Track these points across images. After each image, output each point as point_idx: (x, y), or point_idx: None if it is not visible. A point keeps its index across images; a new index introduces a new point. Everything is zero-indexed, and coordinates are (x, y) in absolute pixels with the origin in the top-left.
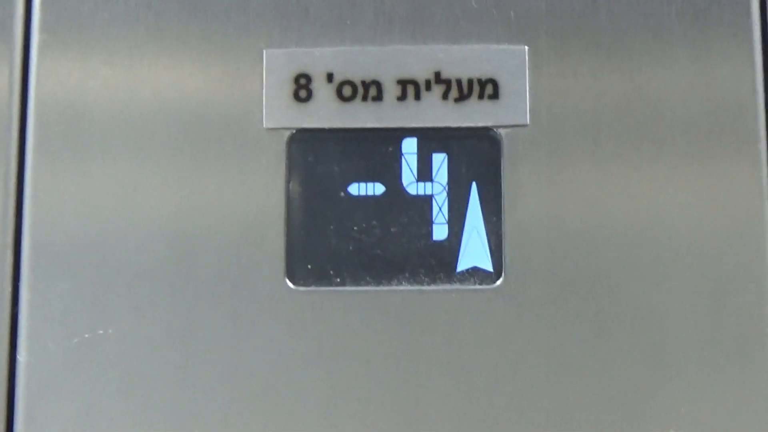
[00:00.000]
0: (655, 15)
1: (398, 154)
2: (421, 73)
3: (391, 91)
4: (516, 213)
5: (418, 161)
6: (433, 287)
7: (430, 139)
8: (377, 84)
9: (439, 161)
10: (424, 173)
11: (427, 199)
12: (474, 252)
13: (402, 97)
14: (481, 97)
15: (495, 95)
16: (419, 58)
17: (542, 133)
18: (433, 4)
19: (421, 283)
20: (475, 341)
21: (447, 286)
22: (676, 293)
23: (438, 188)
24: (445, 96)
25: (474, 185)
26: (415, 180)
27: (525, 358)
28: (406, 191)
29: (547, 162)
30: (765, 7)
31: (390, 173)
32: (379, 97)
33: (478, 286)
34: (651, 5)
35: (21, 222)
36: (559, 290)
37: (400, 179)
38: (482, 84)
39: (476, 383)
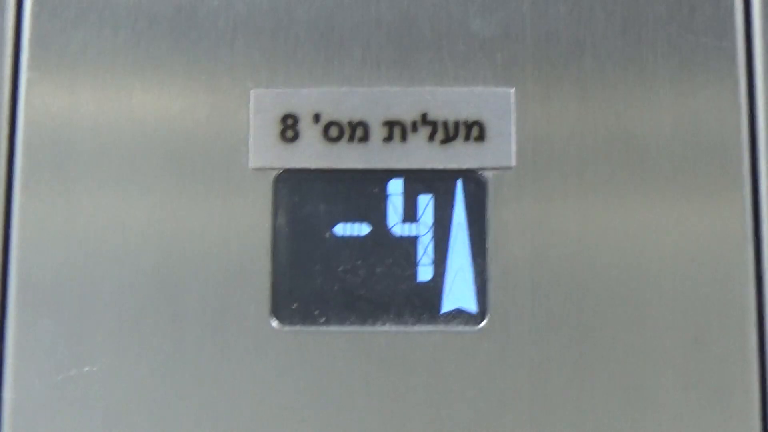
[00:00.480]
0: (641, 59)
1: (384, 195)
2: (408, 115)
3: (377, 132)
4: (501, 254)
5: (403, 202)
6: (417, 328)
7: (416, 181)
8: (364, 125)
9: (425, 202)
10: (410, 214)
11: (413, 240)
12: (458, 293)
13: (388, 139)
14: (467, 138)
15: (481, 137)
16: (406, 100)
17: (528, 175)
18: (420, 47)
19: (406, 323)
20: (458, 382)
21: (431, 327)
22: (658, 335)
23: (423, 229)
24: (431, 137)
25: (459, 227)
26: (400, 221)
27: (508, 399)
28: (392, 232)
29: (532, 203)
30: (750, 52)
31: (375, 214)
32: (365, 138)
33: (462, 328)
34: (636, 49)
35: (7, 258)
36: (543, 332)
37: (386, 220)
38: (468, 126)
39: (459, 424)
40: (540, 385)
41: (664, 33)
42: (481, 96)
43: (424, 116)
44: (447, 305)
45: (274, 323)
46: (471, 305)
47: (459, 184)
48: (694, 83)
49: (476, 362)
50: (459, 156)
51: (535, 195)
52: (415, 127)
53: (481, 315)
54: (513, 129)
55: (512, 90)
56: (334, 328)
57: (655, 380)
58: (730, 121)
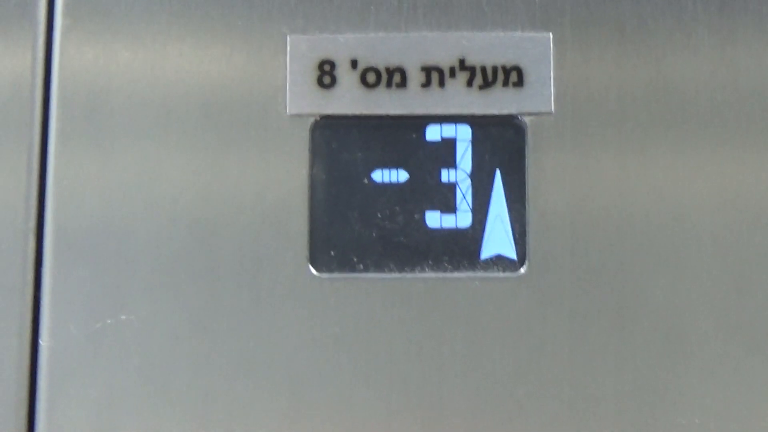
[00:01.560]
0: (680, 3)
1: (422, 141)
2: (446, 60)
3: (415, 78)
4: (540, 201)
5: (442, 148)
6: (456, 275)
7: (455, 126)
8: (401, 71)
9: (463, 148)
10: (448, 160)
11: (451, 187)
12: (497, 240)
13: (426, 84)
14: (505, 84)
15: (519, 83)
16: (443, 45)
17: (566, 121)
18: None
19: (445, 270)
20: (497, 329)
21: (470, 274)
22: (698, 284)
23: (462, 176)
24: (469, 83)
25: (498, 173)
26: (438, 167)
27: (547, 346)
28: (430, 178)
29: (571, 150)
30: None
31: (413, 160)
32: (403, 84)
33: (501, 274)
34: None
35: (44, 208)
36: (582, 279)
37: (424, 166)
38: (506, 71)
39: (498, 371)
40: (579, 332)
41: None
42: (520, 41)
43: (461, 62)
44: (486, 252)
45: (312, 270)
46: (510, 252)
47: (497, 129)
48: (734, 29)
49: (515, 309)
50: (497, 101)
51: (573, 141)
52: (453, 72)
53: (521, 261)
54: (551, 74)
55: (550, 35)
56: (372, 276)
57: (696, 328)
58: None
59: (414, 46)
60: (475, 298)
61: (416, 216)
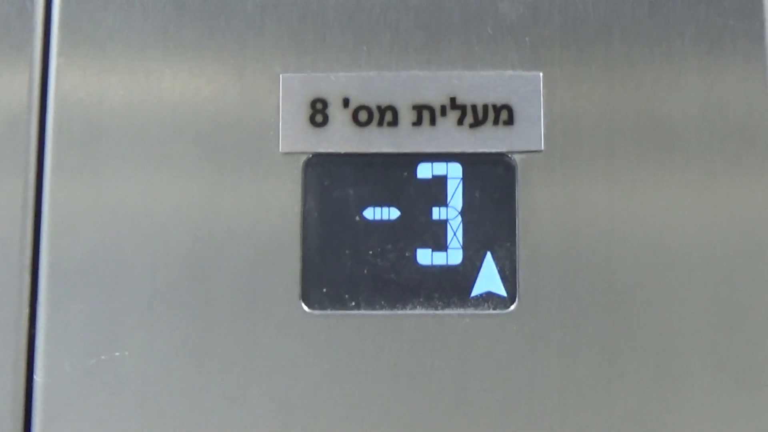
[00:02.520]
0: (669, 41)
1: (413, 179)
2: (437, 99)
3: (406, 116)
4: (530, 238)
5: (432, 186)
6: (447, 311)
7: (445, 164)
8: (393, 109)
9: (454, 186)
10: (439, 198)
11: (442, 224)
12: (488, 277)
13: (417, 123)
14: (496, 122)
15: (510, 121)
16: (435, 84)
17: (556, 158)
18: (449, 31)
19: (435, 307)
20: (488, 366)
21: (461, 311)
22: (689, 315)
23: (453, 213)
24: (460, 121)
25: (488, 210)
26: (429, 205)
27: (538, 382)
28: (421, 216)
29: (561, 187)
30: None
31: (405, 198)
32: (394, 122)
33: (492, 311)
34: (664, 31)
35: (38, 243)
36: (573, 315)
37: (415, 204)
38: (497, 110)
39: (489, 408)
40: (569, 369)
41: (692, 15)
42: (510, 80)
43: (452, 100)
44: (477, 289)
45: (304, 307)
46: (500, 289)
47: (488, 167)
48: (722, 65)
49: (505, 345)
50: (488, 140)
51: (563, 178)
52: (444, 111)
53: (511, 298)
54: (542, 112)
55: (540, 73)
56: (363, 312)
57: (686, 363)
58: (758, 102)
59: (405, 85)
60: (465, 335)
61: (407, 253)
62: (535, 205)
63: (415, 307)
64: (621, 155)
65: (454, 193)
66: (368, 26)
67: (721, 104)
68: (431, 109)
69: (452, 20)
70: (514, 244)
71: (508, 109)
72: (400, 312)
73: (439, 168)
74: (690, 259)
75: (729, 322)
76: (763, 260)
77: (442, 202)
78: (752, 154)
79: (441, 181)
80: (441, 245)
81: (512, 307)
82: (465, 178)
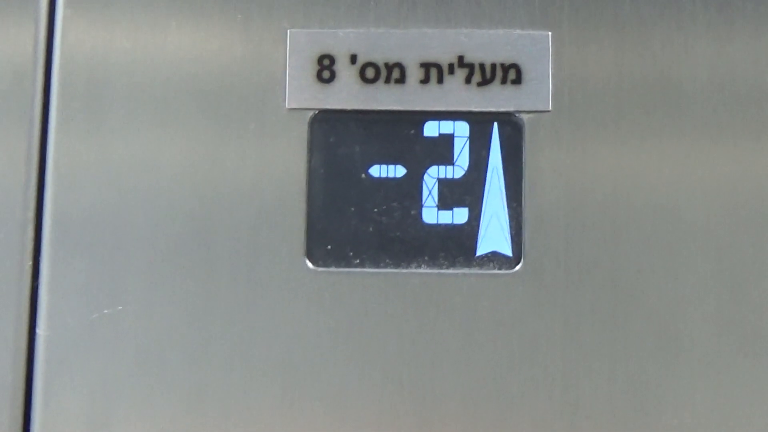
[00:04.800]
0: (679, 3)
1: (420, 137)
2: (445, 57)
3: (414, 74)
4: (536, 198)
5: (439, 144)
6: (452, 271)
7: (452, 123)
8: (400, 66)
9: (461, 145)
10: (446, 157)
11: (448, 183)
12: (494, 237)
13: (425, 81)
14: (503, 81)
15: (518, 80)
16: (443, 42)
17: (564, 119)
18: None
19: (440, 266)
20: (492, 325)
21: (466, 270)
22: (693, 281)
23: (459, 172)
24: (468, 80)
25: (495, 170)
26: (436, 163)
27: (541, 343)
28: (427, 174)
29: (568, 147)
30: None
31: (411, 156)
32: (401, 80)
33: (497, 271)
34: None
35: (42, 198)
36: (578, 276)
37: (422, 162)
38: (505, 69)
39: (492, 367)
40: (573, 329)
41: None
42: (518, 39)
43: (460, 58)
44: (482, 248)
45: (309, 264)
46: (506, 249)
47: (495, 126)
48: (732, 27)
49: (510, 305)
50: (495, 99)
51: (571, 139)
52: (451, 69)
53: (516, 258)
54: (550, 72)
55: (549, 33)
56: (368, 270)
57: (689, 327)
58: None
59: (413, 43)
60: (470, 295)
61: (413, 212)
62: (541, 165)
63: (420, 266)
64: (629, 117)
65: (460, 152)
66: None
67: (731, 67)
68: (439, 67)
69: None
70: (520, 204)
71: (516, 68)
72: (404, 270)
73: (446, 126)
74: (696, 223)
75: (734, 286)
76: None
77: (449, 161)
78: (761, 118)
79: (448, 140)
80: (447, 204)
81: (517, 267)
82: (472, 137)
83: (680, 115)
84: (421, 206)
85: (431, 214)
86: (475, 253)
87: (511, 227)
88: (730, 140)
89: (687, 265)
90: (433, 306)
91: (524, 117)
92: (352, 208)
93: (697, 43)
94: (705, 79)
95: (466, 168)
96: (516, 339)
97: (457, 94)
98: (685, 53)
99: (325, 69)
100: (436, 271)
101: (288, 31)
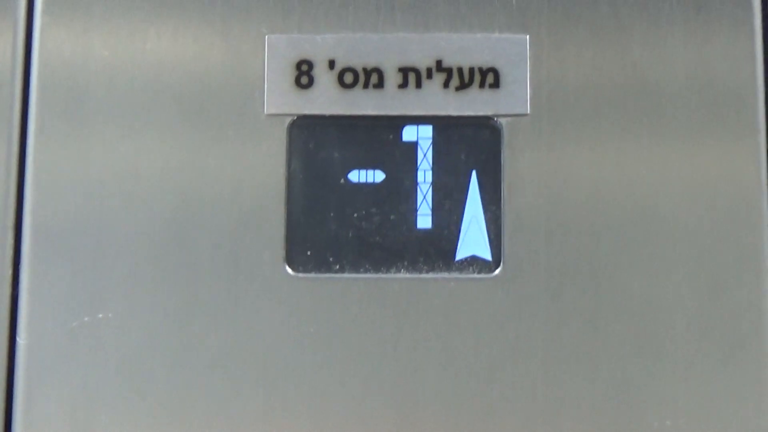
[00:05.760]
0: (656, 3)
1: (399, 142)
2: (423, 61)
3: (392, 78)
4: (515, 202)
5: (418, 149)
6: (431, 275)
7: (431, 127)
8: (378, 71)
9: (439, 149)
10: (424, 161)
11: (427, 187)
12: (473, 241)
13: (403, 85)
14: (482, 85)
15: (496, 84)
16: (421, 46)
17: (542, 122)
18: None
19: (420, 271)
20: (472, 330)
21: (445, 275)
22: (673, 284)
23: (437, 176)
24: (446, 84)
25: (474, 174)
26: (415, 168)
27: (522, 347)
28: (406, 179)
29: (547, 151)
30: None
31: (390, 161)
32: (380, 85)
33: (476, 275)
34: None
35: (22, 205)
36: (557, 280)
37: (401, 167)
38: (483, 73)
39: (473, 371)
40: (553, 333)
41: None
42: (496, 42)
43: (439, 63)
44: (461, 253)
45: (288, 270)
46: (485, 253)
47: (474, 131)
48: (709, 30)
49: (490, 310)
50: (474, 103)
51: (549, 142)
52: (429, 73)
53: (496, 262)
54: (528, 76)
55: (527, 36)
56: (348, 276)
57: (670, 329)
58: (745, 67)
59: (391, 47)
60: (450, 299)
61: (392, 216)
62: (520, 168)
63: (399, 271)
64: (607, 119)
65: (439, 156)
66: None
67: (708, 69)
68: (417, 72)
69: None
70: (499, 208)
71: (495, 72)
72: (384, 275)
73: (425, 131)
74: (675, 226)
75: (714, 289)
76: (747, 227)
77: (427, 165)
78: (738, 119)
79: (426, 144)
80: (426, 209)
81: (497, 272)
82: (450, 141)
83: (658, 117)
84: (400, 211)
85: (410, 219)
86: (454, 258)
87: (490, 231)
88: (708, 142)
89: (667, 267)
90: (413, 311)
91: (502, 121)
92: (332, 214)
93: (675, 44)
94: (683, 80)
95: (444, 172)
96: (496, 343)
97: (436, 98)
98: (662, 55)
99: (304, 74)
100: (415, 276)
101: (266, 36)
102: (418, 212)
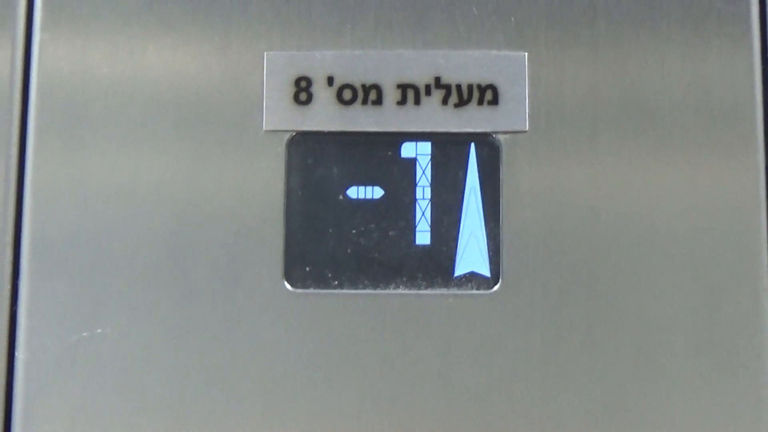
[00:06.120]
0: (654, 22)
1: (397, 158)
2: (421, 78)
3: (391, 95)
4: (514, 218)
5: (417, 165)
6: (430, 291)
7: (430, 144)
8: (377, 88)
9: (438, 166)
10: (423, 178)
11: (426, 204)
12: (472, 257)
13: (402, 102)
14: (480, 102)
15: (494, 101)
16: (419, 63)
17: (541, 139)
18: (434, 10)
19: (419, 287)
20: (471, 346)
21: (444, 291)
22: (671, 299)
23: (437, 193)
24: (444, 101)
25: (473, 190)
26: (414, 184)
27: (520, 362)
28: (405, 195)
29: (545, 168)
30: (764, 16)
31: (389, 177)
32: (379, 101)
33: (475, 291)
34: (650, 13)
35: (21, 220)
36: (556, 296)
37: (399, 183)
38: (482, 90)
39: (472, 387)
40: (552, 348)
41: None
42: (495, 60)
43: (437, 79)
44: (460, 269)
45: (287, 286)
46: (484, 269)
47: (472, 147)
48: (707, 48)
49: (489, 326)
50: (472, 120)
51: (548, 159)
52: (428, 90)
53: (494, 279)
54: (526, 93)
55: (526, 53)
56: (346, 292)
57: (666, 346)
58: (742, 85)
59: (390, 64)
60: (448, 315)
61: (391, 233)
62: (519, 185)
63: (398, 287)
64: (605, 136)
65: (438, 172)
66: (353, 4)
67: (705, 86)
68: (416, 89)
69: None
70: (498, 224)
71: (493, 89)
72: (383, 291)
73: (424, 147)
74: (672, 241)
75: (711, 304)
76: (744, 243)
77: (426, 181)
78: (735, 136)
79: (425, 161)
80: (425, 225)
81: (495, 288)
82: (449, 158)
83: (656, 134)
84: (398, 227)
85: (409, 235)
86: (453, 274)
87: (489, 248)
88: (705, 159)
89: (665, 282)
90: (412, 327)
91: (501, 138)
92: (330, 230)
93: (673, 61)
94: (680, 97)
95: (443, 189)
96: (495, 359)
97: (434, 115)
98: (660, 72)
99: (302, 91)
100: (414, 292)
101: (265, 53)
102: (417, 228)
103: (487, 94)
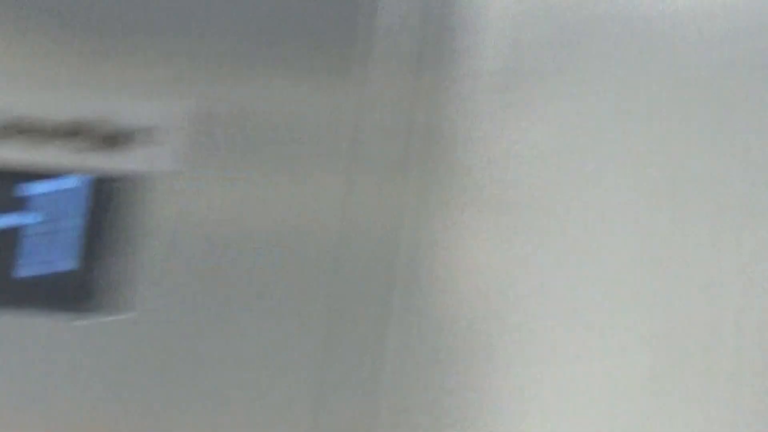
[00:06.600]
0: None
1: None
2: (60, 118)
3: (22, 133)
4: (148, 249)
5: (42, 200)
6: (65, 318)
7: (67, 179)
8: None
9: (74, 199)
10: (50, 211)
11: (52, 237)
12: (101, 285)
13: (35, 140)
14: (124, 143)
15: (138, 143)
16: (59, 103)
17: (184, 175)
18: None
19: (57, 313)
20: (107, 371)
21: (77, 317)
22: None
23: (67, 222)
24: (85, 140)
25: (108, 221)
26: (41, 217)
27: (138, 388)
28: (29, 227)
29: (185, 201)
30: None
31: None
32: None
33: (106, 318)
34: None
35: None
36: (184, 325)
37: (23, 213)
38: (126, 132)
39: (104, 415)
40: (177, 372)
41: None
42: (142, 105)
43: (77, 121)
44: (93, 295)
45: None
46: (118, 295)
47: (110, 182)
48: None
49: (121, 352)
50: (115, 158)
51: (189, 193)
52: (64, 130)
53: (126, 308)
54: (173, 134)
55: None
56: None
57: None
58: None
59: (32, 102)
60: (84, 342)
61: (20, 260)
62: (154, 217)
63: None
64: (246, 167)
65: (67, 205)
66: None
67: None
68: (52, 128)
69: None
70: (132, 254)
71: (134, 131)
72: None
73: (61, 182)
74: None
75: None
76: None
77: (54, 215)
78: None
79: (53, 193)
80: (54, 253)
81: (127, 316)
82: (82, 193)
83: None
84: (27, 254)
85: (35, 266)
86: (88, 300)
87: (117, 277)
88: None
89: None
90: (44, 353)
91: (142, 173)
92: None
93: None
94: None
95: (76, 221)
96: (115, 384)
97: (72, 153)
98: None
99: None
100: (53, 318)
101: None
102: (46, 259)
103: (134, 136)
